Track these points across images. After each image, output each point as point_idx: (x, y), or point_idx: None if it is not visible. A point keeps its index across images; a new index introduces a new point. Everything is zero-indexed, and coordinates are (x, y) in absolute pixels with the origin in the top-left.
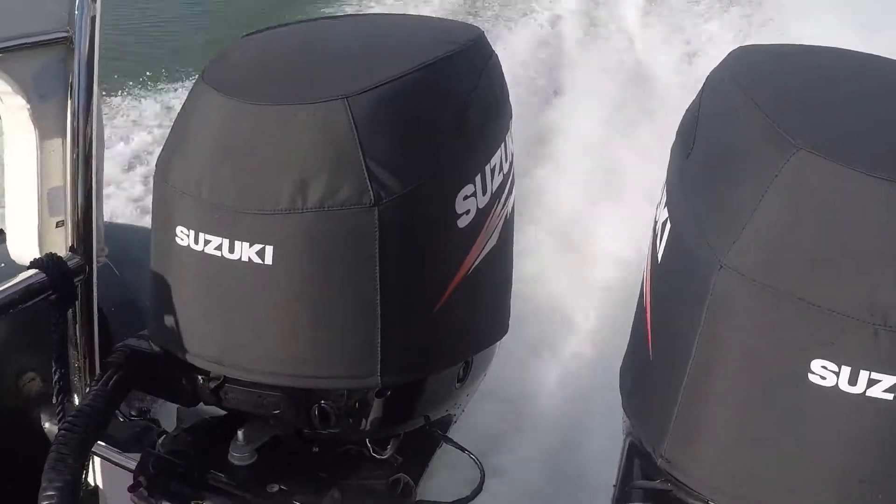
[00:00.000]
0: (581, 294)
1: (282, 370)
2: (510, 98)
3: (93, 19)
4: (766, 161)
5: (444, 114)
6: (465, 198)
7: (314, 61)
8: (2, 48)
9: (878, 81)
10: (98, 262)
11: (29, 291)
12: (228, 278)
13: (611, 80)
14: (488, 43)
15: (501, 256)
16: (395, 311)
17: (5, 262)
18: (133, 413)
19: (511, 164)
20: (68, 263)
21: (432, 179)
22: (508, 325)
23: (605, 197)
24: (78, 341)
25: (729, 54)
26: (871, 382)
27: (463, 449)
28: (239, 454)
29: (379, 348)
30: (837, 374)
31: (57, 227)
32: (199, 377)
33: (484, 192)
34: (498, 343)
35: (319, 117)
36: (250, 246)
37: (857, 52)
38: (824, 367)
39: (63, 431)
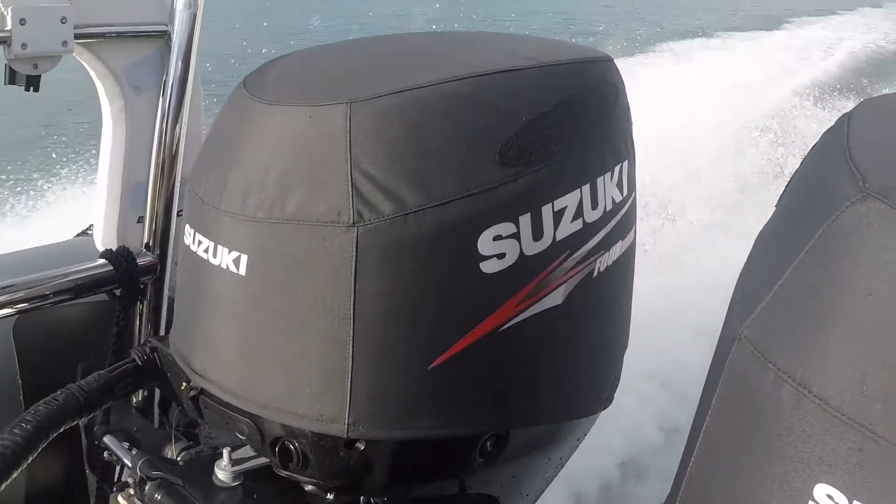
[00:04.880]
0: None
1: (245, 394)
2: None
3: (193, 16)
4: (820, 208)
5: (484, 133)
6: (497, 238)
7: (361, 67)
8: (101, 34)
9: None
10: (176, 262)
11: (94, 281)
12: (212, 285)
13: None
14: (614, 71)
15: (577, 319)
16: (374, 354)
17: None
18: (173, 425)
19: (611, 214)
20: (139, 261)
21: (442, 207)
22: (608, 399)
23: None
24: (139, 339)
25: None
26: None
27: None
28: (222, 473)
29: (349, 393)
30: None
31: (138, 222)
32: (184, 384)
33: (537, 238)
34: (585, 421)
35: (315, 120)
36: (229, 252)
37: None
38: (830, 497)
39: (42, 404)
